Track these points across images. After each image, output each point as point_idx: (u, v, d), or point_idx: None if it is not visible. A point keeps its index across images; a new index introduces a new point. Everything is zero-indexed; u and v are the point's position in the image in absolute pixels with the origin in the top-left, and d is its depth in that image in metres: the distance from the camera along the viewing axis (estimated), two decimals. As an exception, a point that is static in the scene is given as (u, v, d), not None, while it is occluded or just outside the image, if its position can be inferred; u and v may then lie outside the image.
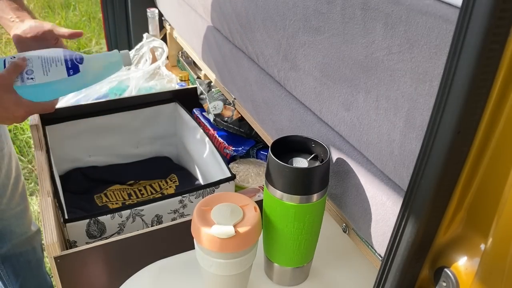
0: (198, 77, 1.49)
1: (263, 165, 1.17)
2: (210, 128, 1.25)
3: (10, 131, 2.08)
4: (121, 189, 1.20)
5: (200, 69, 1.47)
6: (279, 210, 0.63)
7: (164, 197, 0.91)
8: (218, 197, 0.66)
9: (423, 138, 0.38)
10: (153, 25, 1.54)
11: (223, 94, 1.20)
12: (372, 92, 0.56)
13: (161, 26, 1.59)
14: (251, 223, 0.62)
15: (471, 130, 0.36)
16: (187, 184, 1.21)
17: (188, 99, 1.30)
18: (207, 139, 1.11)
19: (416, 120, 0.50)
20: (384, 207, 0.57)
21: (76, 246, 0.85)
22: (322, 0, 0.62)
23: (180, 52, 1.64)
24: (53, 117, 1.13)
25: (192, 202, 0.93)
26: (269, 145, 0.63)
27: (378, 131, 0.57)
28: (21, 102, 0.77)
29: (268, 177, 0.63)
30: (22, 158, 1.96)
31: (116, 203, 1.15)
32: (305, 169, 0.62)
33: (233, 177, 0.97)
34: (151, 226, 0.91)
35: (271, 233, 0.67)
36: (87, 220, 0.85)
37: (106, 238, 0.87)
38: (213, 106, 1.22)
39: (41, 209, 0.80)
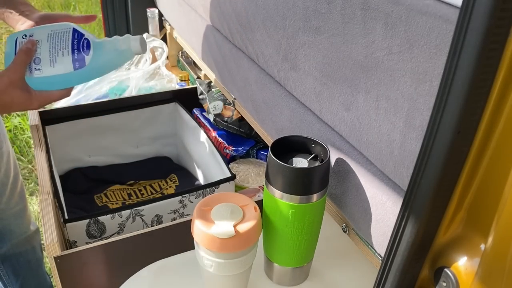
0: (198, 77, 1.49)
1: (263, 165, 1.17)
2: (210, 128, 1.25)
3: (10, 131, 2.08)
4: (121, 189, 1.20)
5: (200, 69, 1.47)
6: (279, 210, 0.63)
7: (164, 197, 0.91)
8: (218, 197, 0.66)
9: (423, 138, 0.38)
10: (153, 25, 1.54)
11: (223, 94, 1.20)
12: (372, 92, 0.56)
13: (161, 26, 1.59)
14: (251, 223, 0.62)
15: (471, 130, 0.36)
16: (187, 184, 1.21)
17: (188, 99, 1.30)
18: (207, 139, 1.11)
19: (416, 120, 0.50)
20: (384, 207, 0.57)
21: (76, 246, 0.84)
22: (322, 0, 0.62)
23: (180, 52, 1.64)
24: (53, 117, 1.13)
25: (192, 202, 0.93)
26: (269, 145, 0.63)
27: (378, 131, 0.56)
28: (33, 96, 0.74)
29: (268, 177, 0.63)
30: (22, 158, 1.96)
31: (116, 203, 1.15)
32: (305, 169, 0.62)
33: (233, 177, 0.97)
34: (151, 226, 0.91)
35: (271, 233, 0.67)
36: (87, 220, 0.85)
37: (106, 238, 0.87)
38: (213, 106, 1.22)
39: (41, 209, 0.80)
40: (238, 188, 1.11)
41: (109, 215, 0.86)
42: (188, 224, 0.66)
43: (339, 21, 0.59)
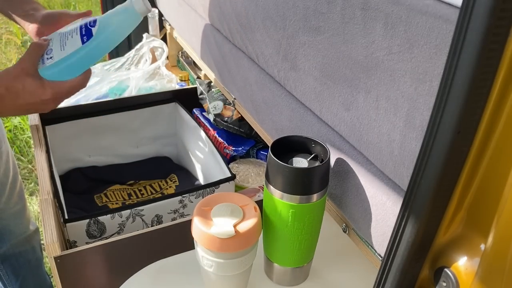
0: (198, 77, 1.49)
1: (263, 165, 1.17)
2: (210, 128, 1.25)
3: (10, 131, 2.08)
4: (121, 189, 1.20)
5: (200, 69, 1.47)
6: (279, 210, 0.63)
7: (164, 197, 0.91)
8: (218, 197, 0.66)
9: (423, 138, 0.38)
10: (153, 25, 1.54)
11: (223, 94, 1.20)
12: (372, 92, 0.56)
13: (161, 26, 1.59)
14: (251, 223, 0.62)
15: (471, 130, 0.36)
16: (187, 184, 1.21)
17: (188, 99, 1.30)
18: (207, 139, 1.11)
19: (416, 120, 0.50)
20: (384, 207, 0.57)
21: (76, 246, 0.84)
22: (322, 0, 0.62)
23: (180, 52, 1.64)
24: (53, 117, 1.13)
25: (192, 202, 0.93)
26: (269, 145, 0.63)
27: (378, 131, 0.56)
28: (45, 84, 0.72)
29: (268, 177, 0.63)
30: (22, 158, 1.96)
31: (116, 203, 1.15)
32: (305, 169, 0.62)
33: (233, 177, 0.97)
34: (151, 226, 0.91)
35: (271, 233, 0.67)
36: (87, 220, 0.85)
37: (106, 238, 0.87)
38: (213, 106, 1.22)
39: (41, 209, 0.80)
40: (238, 188, 1.11)
41: (109, 215, 0.86)
42: (188, 224, 0.66)
43: (339, 21, 0.59)
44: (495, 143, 0.35)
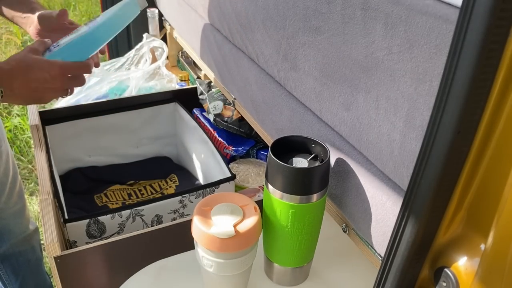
0: (198, 77, 1.49)
1: (263, 165, 1.17)
2: (210, 128, 1.25)
3: (10, 131, 2.08)
4: (121, 189, 1.20)
5: (200, 69, 1.47)
6: (279, 210, 0.63)
7: (164, 197, 0.91)
8: (218, 197, 0.66)
9: (423, 138, 0.38)
10: (153, 25, 1.54)
11: (223, 94, 1.20)
12: (372, 92, 0.56)
13: (161, 26, 1.59)
14: (251, 223, 0.62)
15: (471, 130, 0.36)
16: (187, 184, 1.21)
17: (188, 99, 1.30)
18: (207, 139, 1.11)
19: (416, 120, 0.50)
20: (384, 207, 0.57)
21: (76, 246, 0.84)
22: (322, 0, 0.62)
23: (180, 52, 1.64)
24: (53, 117, 1.13)
25: (192, 202, 0.93)
26: (269, 145, 0.63)
27: (378, 131, 0.56)
28: (53, 61, 0.77)
29: (268, 177, 0.63)
30: (22, 158, 1.96)
31: (116, 203, 1.15)
32: (305, 169, 0.62)
33: (233, 177, 0.97)
34: (151, 226, 0.91)
35: (271, 233, 0.66)
36: (87, 220, 0.85)
37: (106, 238, 0.87)
38: (213, 106, 1.22)
39: (41, 209, 0.80)
40: (238, 188, 1.11)
41: (109, 215, 0.86)
42: (188, 224, 0.66)
43: (339, 21, 0.59)
44: (495, 143, 0.35)
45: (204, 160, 1.14)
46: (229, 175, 0.98)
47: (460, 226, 0.40)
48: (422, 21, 0.48)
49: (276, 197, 0.62)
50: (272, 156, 0.61)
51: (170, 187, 1.21)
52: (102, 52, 0.89)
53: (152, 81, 1.34)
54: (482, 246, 0.38)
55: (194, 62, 1.54)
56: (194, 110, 1.32)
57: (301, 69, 0.70)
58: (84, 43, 0.82)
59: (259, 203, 0.67)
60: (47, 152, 0.98)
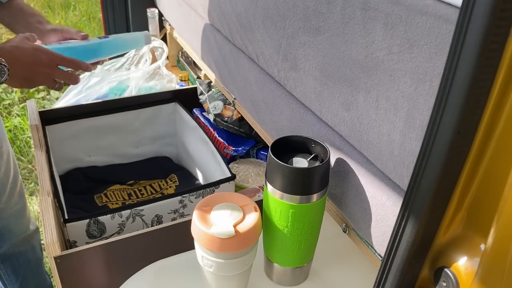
0: (198, 77, 1.49)
1: (263, 165, 1.17)
2: (210, 128, 1.25)
3: (10, 131, 2.08)
4: (121, 189, 1.20)
5: (200, 69, 1.47)
6: (279, 210, 0.63)
7: (164, 197, 0.91)
8: (218, 197, 0.66)
9: (423, 138, 0.38)
10: (153, 25, 1.54)
11: (223, 94, 1.20)
12: (372, 92, 0.56)
13: (161, 26, 1.59)
14: (251, 223, 0.62)
15: (471, 130, 0.36)
16: (187, 184, 1.21)
17: (188, 99, 1.29)
18: (207, 139, 1.11)
19: (416, 120, 0.50)
20: (384, 207, 0.57)
21: (76, 246, 0.84)
22: (322, 0, 0.62)
23: (180, 52, 1.64)
24: (53, 117, 1.13)
25: (192, 202, 0.93)
26: (269, 145, 0.63)
27: (378, 131, 0.56)
28: (48, 49, 0.82)
29: (268, 177, 0.63)
30: (22, 158, 1.96)
31: (116, 203, 1.15)
32: (305, 169, 0.62)
33: (233, 177, 0.97)
34: (151, 226, 0.91)
35: (271, 233, 0.66)
36: (87, 220, 0.85)
37: (106, 238, 0.87)
38: (213, 106, 1.22)
39: (41, 209, 0.80)
40: (238, 188, 1.11)
41: (109, 215, 0.86)
42: (188, 224, 0.66)
43: (339, 21, 0.59)
44: (495, 143, 0.35)
45: (204, 160, 1.14)
46: (229, 175, 0.98)
47: (460, 226, 0.40)
48: (422, 21, 0.48)
49: (276, 197, 0.62)
50: (272, 156, 0.61)
51: (170, 187, 1.21)
52: (97, 63, 0.98)
53: (152, 81, 1.34)
54: (482, 246, 0.38)
55: (194, 62, 1.54)
56: (194, 110, 1.32)
57: (301, 69, 0.70)
58: (88, 48, 0.92)
59: (259, 203, 0.67)
60: (47, 152, 0.98)
